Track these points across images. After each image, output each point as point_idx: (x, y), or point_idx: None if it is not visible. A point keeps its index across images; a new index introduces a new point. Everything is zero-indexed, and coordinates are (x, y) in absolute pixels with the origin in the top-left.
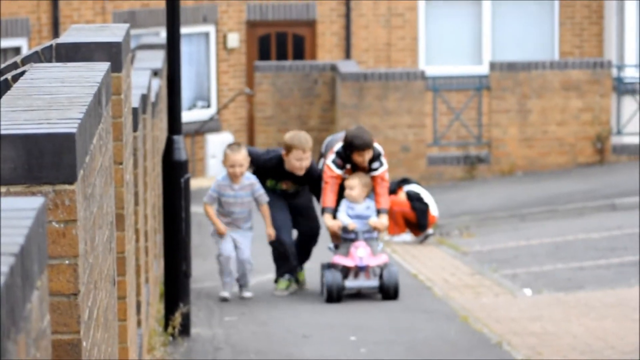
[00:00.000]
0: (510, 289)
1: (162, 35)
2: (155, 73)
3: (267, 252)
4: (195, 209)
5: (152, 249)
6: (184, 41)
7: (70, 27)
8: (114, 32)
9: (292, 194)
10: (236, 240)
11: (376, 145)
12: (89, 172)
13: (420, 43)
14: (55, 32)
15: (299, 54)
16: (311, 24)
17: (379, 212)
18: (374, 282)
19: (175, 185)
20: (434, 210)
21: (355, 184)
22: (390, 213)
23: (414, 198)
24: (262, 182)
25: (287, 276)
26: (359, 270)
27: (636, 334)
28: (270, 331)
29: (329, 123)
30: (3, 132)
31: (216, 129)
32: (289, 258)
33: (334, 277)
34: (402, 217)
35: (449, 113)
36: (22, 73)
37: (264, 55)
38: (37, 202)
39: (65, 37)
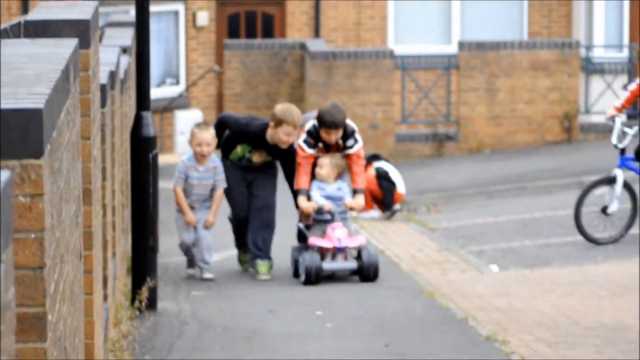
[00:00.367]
0: (477, 266)
1: (132, 13)
2: (125, 50)
3: (230, 229)
4: (163, 184)
5: (120, 223)
6: (153, 19)
7: (39, 5)
8: (82, 10)
9: (257, 167)
10: (199, 219)
11: (349, 122)
12: (56, 147)
13: (389, 22)
14: (25, 9)
15: (268, 33)
16: (280, 3)
17: (355, 192)
18: (352, 264)
19: (144, 161)
20: (401, 189)
21: (326, 163)
22: None
23: (382, 176)
24: (232, 148)
25: (266, 260)
26: (336, 251)
27: (601, 310)
28: (236, 306)
29: (298, 101)
30: None
31: (185, 105)
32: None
33: (313, 258)
34: (369, 193)
35: (417, 91)
36: None
37: (234, 33)
38: (3, 176)
39: (34, 15)
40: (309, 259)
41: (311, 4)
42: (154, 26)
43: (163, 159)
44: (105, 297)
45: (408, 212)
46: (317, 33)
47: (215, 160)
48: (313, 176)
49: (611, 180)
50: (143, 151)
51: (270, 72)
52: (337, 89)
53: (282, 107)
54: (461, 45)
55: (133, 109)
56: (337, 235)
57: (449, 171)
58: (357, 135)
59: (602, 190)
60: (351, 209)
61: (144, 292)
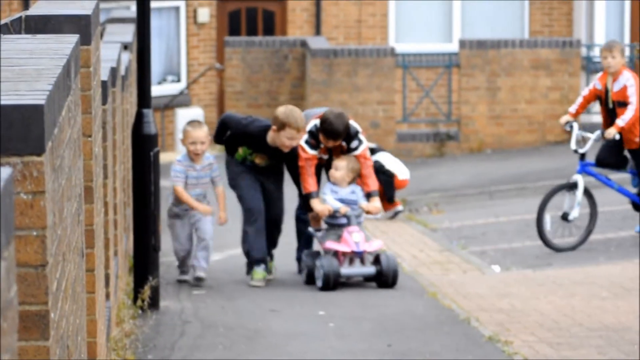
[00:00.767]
0: (479, 266)
1: (133, 8)
2: (126, 47)
3: (235, 228)
4: (165, 182)
5: (122, 222)
6: (154, 15)
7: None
8: (83, 5)
9: (263, 169)
10: (196, 221)
11: (353, 123)
12: (57, 144)
13: (391, 20)
14: (26, 4)
15: (269, 30)
16: (281, 0)
17: (369, 195)
18: (370, 269)
19: (145, 158)
20: (403, 174)
21: (342, 166)
22: None
23: (378, 170)
24: (234, 149)
25: (262, 266)
26: (354, 256)
27: (603, 311)
28: (238, 305)
29: (298, 99)
30: None
31: (186, 103)
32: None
33: (331, 263)
34: None
35: (418, 90)
36: None
37: (234, 30)
38: (4, 173)
39: (35, 10)
40: (327, 264)
41: (312, 1)
42: (155, 22)
43: (164, 157)
44: (107, 296)
45: (409, 212)
46: (318, 30)
47: (209, 157)
48: (317, 177)
49: (572, 187)
50: (144, 149)
51: (271, 69)
52: (337, 87)
53: (285, 110)
54: (462, 43)
55: (134, 106)
56: (354, 239)
57: (450, 171)
58: (362, 136)
59: (562, 196)
60: (368, 212)
61: (146, 291)
